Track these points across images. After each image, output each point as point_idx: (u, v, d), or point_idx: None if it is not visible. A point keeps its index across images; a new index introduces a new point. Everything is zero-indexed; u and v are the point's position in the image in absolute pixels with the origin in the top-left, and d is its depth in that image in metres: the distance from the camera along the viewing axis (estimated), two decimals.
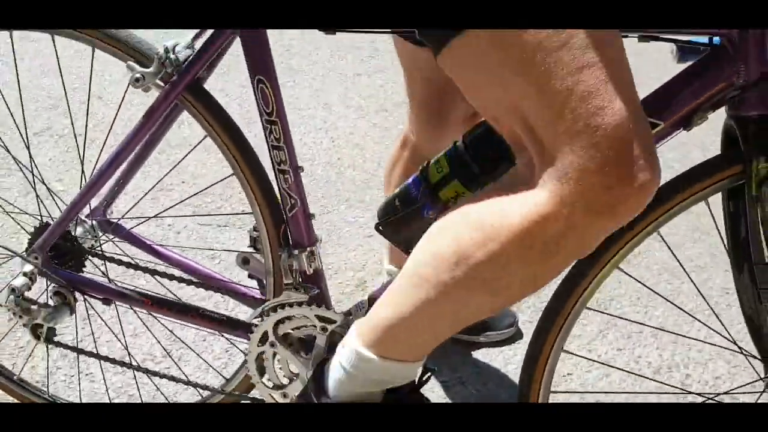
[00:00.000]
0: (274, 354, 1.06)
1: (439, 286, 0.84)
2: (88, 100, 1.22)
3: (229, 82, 2.42)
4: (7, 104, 1.21)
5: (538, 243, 0.77)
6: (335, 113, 2.50)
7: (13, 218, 1.26)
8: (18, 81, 1.25)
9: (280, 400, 1.07)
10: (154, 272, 1.14)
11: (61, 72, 1.24)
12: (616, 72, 0.73)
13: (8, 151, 1.19)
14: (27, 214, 1.22)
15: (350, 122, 2.47)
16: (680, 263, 1.18)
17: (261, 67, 0.98)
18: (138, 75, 0.99)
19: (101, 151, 1.15)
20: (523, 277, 0.81)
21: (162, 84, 1.00)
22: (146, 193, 1.51)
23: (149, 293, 1.14)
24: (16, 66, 1.35)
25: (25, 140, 1.20)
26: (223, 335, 1.23)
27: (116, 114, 1.18)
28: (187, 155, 1.31)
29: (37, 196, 1.16)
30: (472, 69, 0.79)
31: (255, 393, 1.15)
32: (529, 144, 0.77)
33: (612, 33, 0.75)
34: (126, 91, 1.06)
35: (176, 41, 1.02)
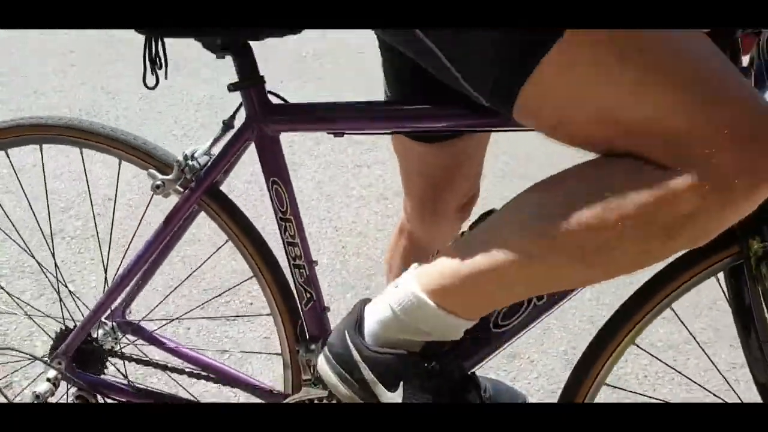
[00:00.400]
0: None
1: (535, 244, 0.81)
2: (114, 207, 1.27)
3: (235, 179, 2.49)
4: (32, 208, 1.26)
5: (660, 221, 0.75)
6: (338, 203, 2.57)
7: (34, 321, 1.30)
8: (45, 187, 1.30)
9: None
10: (174, 370, 1.17)
11: (87, 182, 1.30)
12: (718, 56, 0.75)
13: (33, 256, 1.24)
14: (49, 317, 1.25)
15: (352, 211, 2.53)
16: (691, 334, 1.21)
17: (274, 170, 1.04)
18: (159, 182, 1.05)
19: (124, 254, 1.19)
20: (627, 254, 0.79)
21: (181, 190, 1.06)
22: (166, 297, 1.55)
23: (170, 394, 1.17)
24: (44, 173, 1.40)
25: (51, 247, 1.24)
26: None
27: (140, 221, 1.23)
28: (207, 260, 1.36)
29: (61, 300, 1.20)
30: (553, 101, 0.79)
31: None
32: (638, 146, 0.76)
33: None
34: (150, 202, 1.11)
35: (194, 148, 1.08)
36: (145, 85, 1.06)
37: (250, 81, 1.02)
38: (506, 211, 0.88)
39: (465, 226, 1.05)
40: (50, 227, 1.44)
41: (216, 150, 1.08)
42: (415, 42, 0.86)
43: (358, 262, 2.25)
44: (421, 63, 0.90)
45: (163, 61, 1.04)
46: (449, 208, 1.27)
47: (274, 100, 1.05)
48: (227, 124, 1.09)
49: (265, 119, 1.02)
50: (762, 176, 0.73)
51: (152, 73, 1.05)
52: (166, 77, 1.06)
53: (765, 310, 0.94)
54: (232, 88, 1.02)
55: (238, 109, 1.07)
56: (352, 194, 2.64)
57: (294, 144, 2.90)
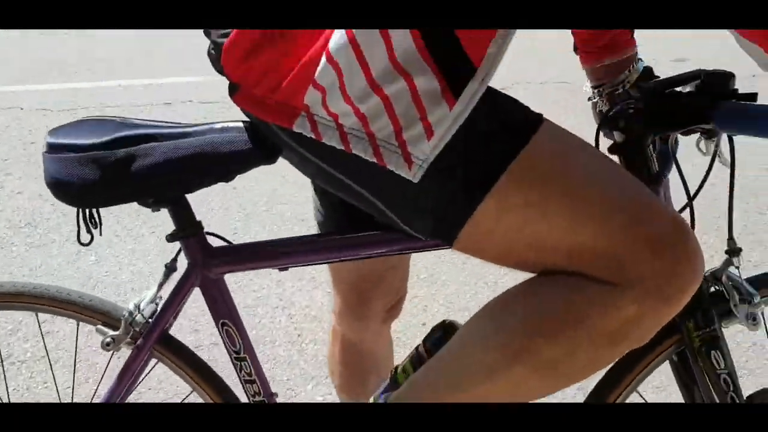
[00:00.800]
0: None
1: (497, 360, 0.89)
2: (75, 367, 1.25)
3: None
4: None
5: (606, 331, 0.84)
6: (289, 288, 2.58)
7: None
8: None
9: None
10: None
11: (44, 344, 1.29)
12: (625, 174, 0.87)
13: None
14: None
15: (305, 295, 2.55)
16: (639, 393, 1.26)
17: (223, 312, 1.06)
18: (108, 339, 1.06)
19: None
20: (578, 363, 0.87)
21: (132, 342, 1.07)
22: None
23: None
24: None
25: None
26: None
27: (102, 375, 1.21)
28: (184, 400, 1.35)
29: None
30: (491, 240, 0.87)
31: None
32: (577, 266, 0.85)
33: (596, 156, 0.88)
34: (109, 362, 1.11)
35: (140, 298, 1.09)
36: (80, 241, 1.07)
37: (188, 231, 1.04)
38: (466, 331, 0.96)
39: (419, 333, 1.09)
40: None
41: (162, 293, 1.10)
42: (351, 190, 0.92)
43: (316, 349, 2.26)
44: (359, 205, 0.95)
45: (98, 220, 1.06)
46: (377, 311, 1.32)
47: (215, 242, 1.08)
48: (170, 268, 1.11)
49: (207, 264, 1.05)
50: (686, 278, 0.84)
51: (87, 232, 1.06)
52: (101, 234, 1.07)
53: (711, 388, 1.01)
54: (170, 238, 1.05)
55: (179, 252, 1.10)
56: (303, 276, 2.65)
57: (238, 231, 2.91)
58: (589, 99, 1.22)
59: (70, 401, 1.11)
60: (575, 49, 1.22)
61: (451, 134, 0.83)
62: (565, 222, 0.84)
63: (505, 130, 0.85)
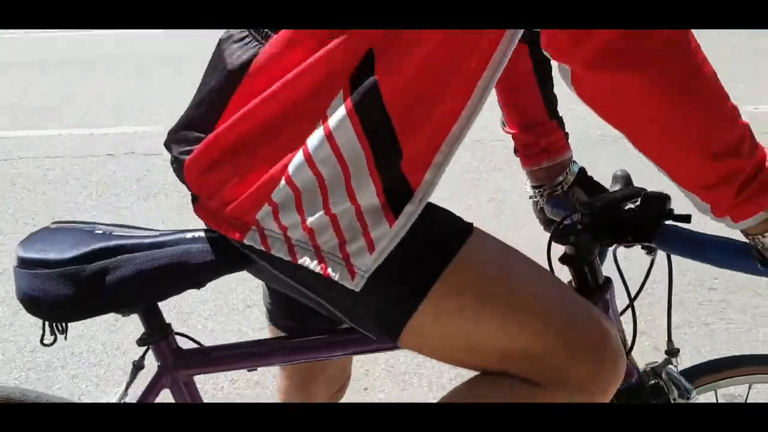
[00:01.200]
0: None
1: None
2: None
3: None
4: None
5: None
6: None
7: None
8: None
9: None
10: None
11: None
12: (554, 280, 0.97)
13: None
14: None
15: None
16: None
17: None
18: None
19: None
20: None
21: None
22: None
23: None
24: None
25: None
26: None
27: None
28: None
29: None
30: (429, 341, 0.95)
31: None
32: (509, 368, 0.93)
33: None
34: None
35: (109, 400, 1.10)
36: (42, 343, 1.07)
37: (158, 335, 1.07)
38: None
39: None
40: None
41: (129, 391, 1.11)
42: (302, 293, 0.98)
43: None
44: (310, 305, 1.01)
45: (64, 326, 1.07)
46: (321, 394, 1.38)
47: (185, 343, 1.10)
48: (137, 366, 1.12)
49: (177, 366, 1.07)
50: (609, 380, 0.95)
51: (51, 334, 1.07)
52: (66, 338, 1.08)
53: None
54: (141, 343, 1.07)
55: (147, 350, 1.11)
56: (244, 338, 2.65)
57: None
58: (531, 197, 1.31)
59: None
60: (515, 152, 1.31)
61: (391, 248, 0.91)
62: (497, 328, 0.93)
63: (440, 241, 0.95)
